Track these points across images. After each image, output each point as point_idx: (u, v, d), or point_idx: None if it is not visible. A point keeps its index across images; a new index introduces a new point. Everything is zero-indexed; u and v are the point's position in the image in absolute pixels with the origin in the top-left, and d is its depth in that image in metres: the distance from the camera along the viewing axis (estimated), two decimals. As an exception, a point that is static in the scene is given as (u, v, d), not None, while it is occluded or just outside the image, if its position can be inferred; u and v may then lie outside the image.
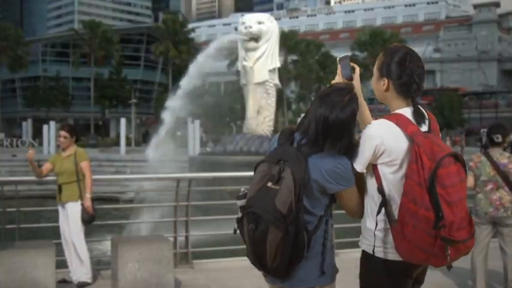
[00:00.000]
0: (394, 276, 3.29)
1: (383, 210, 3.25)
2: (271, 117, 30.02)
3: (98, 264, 9.58)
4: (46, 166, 8.60)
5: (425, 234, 3.08)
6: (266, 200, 3.22)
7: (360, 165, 3.32)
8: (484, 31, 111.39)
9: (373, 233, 3.29)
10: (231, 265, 9.39)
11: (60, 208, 8.44)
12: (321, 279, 3.37)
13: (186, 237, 9.48)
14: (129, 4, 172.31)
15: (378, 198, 3.29)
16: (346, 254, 9.32)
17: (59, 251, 8.27)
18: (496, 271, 7.81)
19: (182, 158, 34.71)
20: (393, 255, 3.26)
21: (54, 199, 8.62)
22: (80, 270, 8.28)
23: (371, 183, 3.36)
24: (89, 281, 8.28)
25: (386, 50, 3.42)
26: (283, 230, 3.18)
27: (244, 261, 9.37)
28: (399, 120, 3.27)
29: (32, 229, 10.28)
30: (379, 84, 3.41)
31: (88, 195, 8.40)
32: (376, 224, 3.27)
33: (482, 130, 43.60)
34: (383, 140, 3.24)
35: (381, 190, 3.26)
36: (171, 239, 8.79)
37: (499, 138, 7.25)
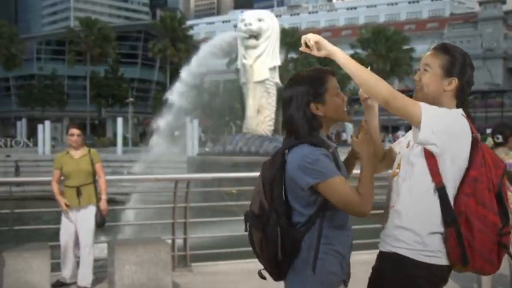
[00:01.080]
0: (434, 281, 3.16)
1: (436, 211, 3.12)
2: (271, 116, 29.87)
3: (95, 268, 9.45)
4: (56, 174, 8.23)
5: (489, 239, 3.06)
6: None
7: (423, 136, 3.08)
8: (489, 28, 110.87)
9: (419, 236, 3.12)
10: (230, 268, 9.22)
11: (72, 211, 8.07)
12: (309, 285, 3.19)
13: (185, 240, 9.32)
14: (126, 1, 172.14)
15: (433, 198, 3.12)
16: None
17: (53, 253, 8.10)
18: (502, 274, 7.67)
19: (180, 159, 34.58)
20: (437, 260, 3.13)
21: (46, 200, 8.42)
22: (82, 274, 8.09)
23: (422, 181, 3.15)
24: (89, 286, 8.13)
25: (448, 49, 3.29)
26: (261, 231, 3.17)
27: (243, 264, 9.33)
28: (468, 120, 3.23)
29: (26, 231, 10.12)
30: (441, 83, 3.25)
31: (104, 197, 8.22)
32: (430, 227, 3.13)
33: (487, 130, 43.62)
34: (462, 134, 3.17)
35: (441, 189, 3.09)
36: (169, 241, 8.65)
37: (499, 138, 7.21)
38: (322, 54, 3.22)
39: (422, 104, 3.10)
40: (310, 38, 3.24)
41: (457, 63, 3.23)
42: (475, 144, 3.14)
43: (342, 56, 3.13)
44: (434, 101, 3.23)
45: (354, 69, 3.11)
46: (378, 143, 3.47)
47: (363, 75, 3.08)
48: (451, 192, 3.10)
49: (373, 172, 3.18)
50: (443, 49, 3.27)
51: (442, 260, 3.13)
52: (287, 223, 3.16)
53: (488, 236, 3.05)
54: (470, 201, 3.05)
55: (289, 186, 3.18)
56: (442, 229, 3.11)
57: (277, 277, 3.30)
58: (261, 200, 3.18)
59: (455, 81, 3.23)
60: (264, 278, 3.33)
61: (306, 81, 3.25)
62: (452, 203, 3.08)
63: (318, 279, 3.16)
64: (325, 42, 3.20)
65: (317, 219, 3.18)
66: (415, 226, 3.12)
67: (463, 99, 3.29)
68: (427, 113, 3.05)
